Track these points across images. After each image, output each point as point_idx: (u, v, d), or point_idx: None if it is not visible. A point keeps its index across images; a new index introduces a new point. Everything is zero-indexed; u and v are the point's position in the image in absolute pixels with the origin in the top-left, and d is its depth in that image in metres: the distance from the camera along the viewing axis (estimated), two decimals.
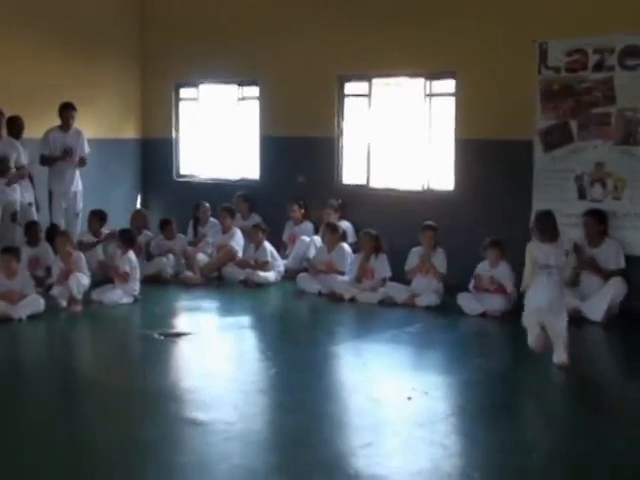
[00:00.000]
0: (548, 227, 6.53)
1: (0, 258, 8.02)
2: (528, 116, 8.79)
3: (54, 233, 9.18)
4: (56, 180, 10.01)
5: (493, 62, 9.10)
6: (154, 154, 12.42)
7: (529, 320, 6.55)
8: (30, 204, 9.63)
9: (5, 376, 6.64)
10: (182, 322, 8.37)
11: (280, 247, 10.26)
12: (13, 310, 7.51)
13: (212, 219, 10.53)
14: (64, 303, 8.32)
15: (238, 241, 10.06)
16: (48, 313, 8.06)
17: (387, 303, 8.67)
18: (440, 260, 8.70)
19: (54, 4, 10.86)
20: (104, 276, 8.97)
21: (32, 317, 7.87)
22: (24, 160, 9.39)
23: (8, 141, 9.30)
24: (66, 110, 9.92)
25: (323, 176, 10.57)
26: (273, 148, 11.02)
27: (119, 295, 8.65)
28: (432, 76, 9.77)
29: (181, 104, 12.29)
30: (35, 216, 9.65)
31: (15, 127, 9.60)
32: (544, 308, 6.43)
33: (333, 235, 9.37)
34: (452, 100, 9.62)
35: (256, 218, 10.55)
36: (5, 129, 9.36)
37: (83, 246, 9.24)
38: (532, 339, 6.54)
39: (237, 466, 4.68)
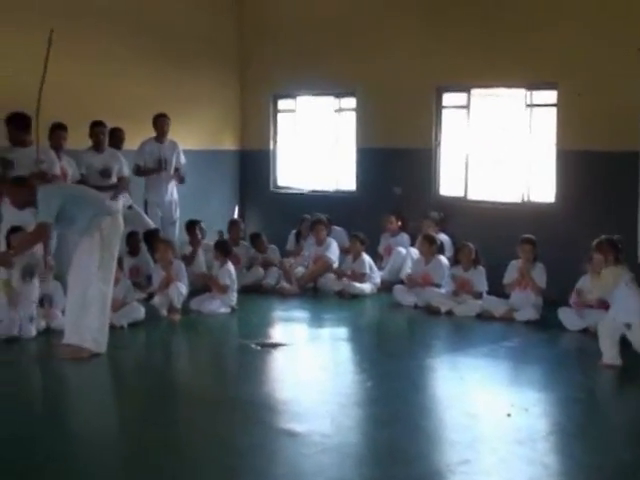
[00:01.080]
0: None
1: None
2: (633, 126, 8.54)
3: (152, 238, 9.40)
4: (152, 190, 10.21)
5: (596, 72, 8.89)
6: (251, 165, 12.55)
7: (614, 335, 6.49)
8: (130, 207, 9.81)
9: (105, 381, 6.81)
10: (278, 332, 8.40)
11: (375, 259, 10.21)
12: (115, 318, 7.67)
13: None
14: (164, 312, 8.47)
15: (334, 252, 10.05)
16: (148, 321, 8.21)
17: (484, 317, 8.53)
18: (539, 274, 8.51)
19: (154, 18, 11.09)
20: (203, 286, 9.09)
21: (133, 325, 8.02)
22: (126, 171, 9.62)
23: (111, 153, 9.53)
24: (160, 120, 10.12)
25: (420, 188, 10.49)
26: (370, 159, 11.00)
27: (217, 305, 8.75)
28: (533, 86, 9.60)
29: (279, 115, 12.39)
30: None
31: (115, 138, 9.83)
32: (636, 322, 6.38)
33: (430, 247, 9.28)
34: (553, 111, 9.43)
35: (339, 231, 10.52)
36: (105, 142, 9.59)
37: (186, 259, 9.36)
38: (614, 354, 6.45)
39: (332, 479, 4.65)
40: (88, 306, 7.03)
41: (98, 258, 7.03)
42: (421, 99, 10.39)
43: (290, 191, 12.18)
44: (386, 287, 9.70)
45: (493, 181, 10.15)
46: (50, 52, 7.67)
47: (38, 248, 7.64)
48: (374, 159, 10.93)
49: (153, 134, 10.20)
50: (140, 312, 8.19)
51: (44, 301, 7.89)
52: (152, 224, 9.84)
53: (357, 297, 9.53)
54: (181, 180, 10.26)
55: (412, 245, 10.08)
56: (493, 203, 9.94)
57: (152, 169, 10.08)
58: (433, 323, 8.50)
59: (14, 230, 7.70)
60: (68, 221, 7.06)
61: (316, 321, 8.82)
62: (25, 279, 7.52)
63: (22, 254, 7.40)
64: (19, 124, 8.23)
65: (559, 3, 9.25)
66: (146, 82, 11.05)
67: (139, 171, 10.07)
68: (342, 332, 8.42)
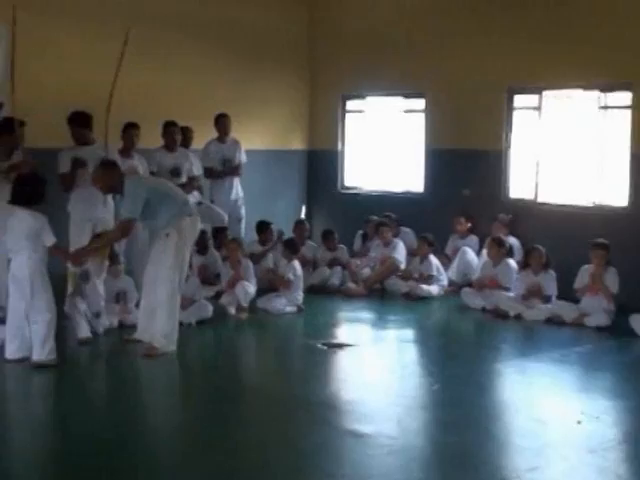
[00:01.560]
0: None
1: None
2: None
3: (220, 234, 9.50)
4: (217, 189, 10.28)
5: None
6: (319, 165, 12.57)
7: None
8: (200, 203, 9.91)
9: (173, 379, 6.89)
10: (345, 333, 8.40)
11: (443, 260, 10.13)
12: (183, 315, 7.76)
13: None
14: (232, 310, 8.53)
15: (401, 253, 10.00)
16: (216, 319, 8.28)
17: (554, 322, 8.39)
18: (611, 279, 8.35)
19: (223, 17, 11.16)
20: (270, 284, 9.14)
21: (201, 322, 8.10)
22: (196, 171, 9.70)
23: (182, 152, 9.62)
24: (221, 120, 10.19)
25: (489, 190, 10.38)
26: (439, 161, 10.92)
27: (283, 304, 8.79)
28: (607, 88, 9.41)
29: (347, 116, 12.39)
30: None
31: (185, 137, 9.92)
32: None
33: (499, 250, 9.17)
34: (628, 113, 9.24)
35: (407, 232, 10.45)
36: (177, 141, 9.69)
37: (253, 257, 9.44)
38: None
39: None
40: (159, 305, 7.14)
41: (173, 258, 7.12)
42: (492, 100, 10.28)
43: (357, 192, 12.17)
44: (454, 289, 9.63)
45: (564, 184, 9.99)
46: (125, 50, 7.79)
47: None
48: (443, 160, 10.85)
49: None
50: (208, 310, 8.27)
51: (119, 297, 8.04)
52: (224, 216, 9.90)
53: (424, 299, 9.47)
54: (236, 171, 10.31)
55: (480, 248, 9.98)
56: (564, 206, 9.77)
57: (220, 172, 10.16)
58: (501, 327, 8.40)
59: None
60: (149, 216, 7.14)
61: (383, 322, 8.79)
62: (82, 279, 7.64)
63: (104, 251, 7.48)
64: (82, 122, 8.37)
65: (634, 1, 9.07)
66: (217, 83, 11.15)
67: (209, 174, 10.14)
68: (409, 334, 8.38)
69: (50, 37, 9.50)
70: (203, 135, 10.22)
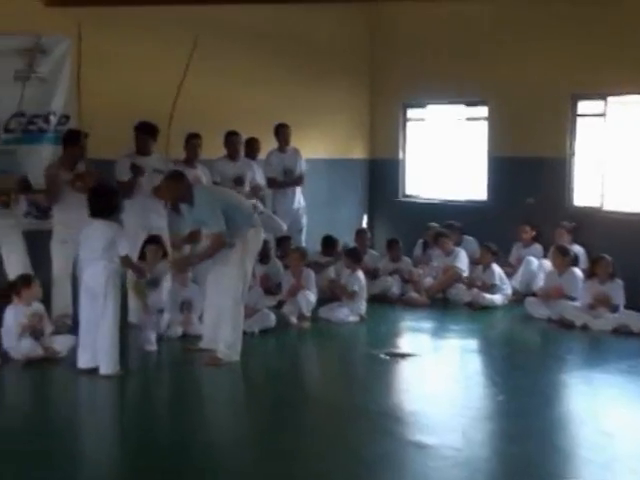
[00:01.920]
0: None
1: None
2: None
3: (283, 244, 9.56)
4: (279, 198, 10.33)
5: None
6: (380, 174, 12.53)
7: None
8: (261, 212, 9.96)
9: (236, 387, 6.92)
10: (407, 342, 8.34)
11: (507, 269, 10.01)
12: (246, 324, 7.80)
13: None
14: (294, 319, 8.55)
15: (463, 261, 9.91)
16: (278, 328, 8.31)
17: (622, 332, 8.22)
18: None
19: (284, 27, 11.20)
20: (332, 294, 9.14)
21: (264, 331, 8.13)
22: (259, 179, 9.76)
23: (244, 161, 9.69)
24: (281, 130, 10.24)
25: (553, 198, 10.23)
26: (502, 169, 10.81)
27: (346, 313, 8.78)
28: None
29: (408, 124, 12.34)
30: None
31: (251, 148, 10.00)
32: None
33: (564, 259, 9.02)
34: None
35: (470, 241, 10.35)
36: (242, 150, 9.78)
37: (316, 267, 9.45)
38: None
39: None
40: (224, 316, 7.19)
41: (237, 269, 7.17)
42: (555, 107, 10.14)
43: (419, 200, 12.10)
44: (518, 299, 9.50)
45: (630, 191, 9.80)
46: (192, 58, 7.88)
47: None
48: (506, 168, 10.73)
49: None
50: (271, 319, 8.30)
51: (183, 306, 8.11)
52: (284, 226, 9.94)
53: (487, 308, 9.36)
54: (299, 181, 10.34)
55: (545, 256, 9.84)
56: (631, 214, 9.59)
57: (282, 182, 10.21)
58: (567, 337, 8.26)
59: (150, 241, 7.91)
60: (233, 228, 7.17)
61: (445, 332, 8.72)
62: (151, 286, 7.73)
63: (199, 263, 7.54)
64: (149, 131, 8.50)
65: None
66: (278, 92, 11.18)
67: (271, 184, 10.20)
68: (472, 344, 8.29)
69: (114, 49, 9.65)
70: (267, 145, 10.28)
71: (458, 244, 10.18)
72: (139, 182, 8.32)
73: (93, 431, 5.79)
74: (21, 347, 7.08)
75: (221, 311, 7.22)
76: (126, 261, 6.89)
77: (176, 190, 7.29)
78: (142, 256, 7.74)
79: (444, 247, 9.98)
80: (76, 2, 9.23)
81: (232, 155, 9.58)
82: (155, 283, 7.70)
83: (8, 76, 9.05)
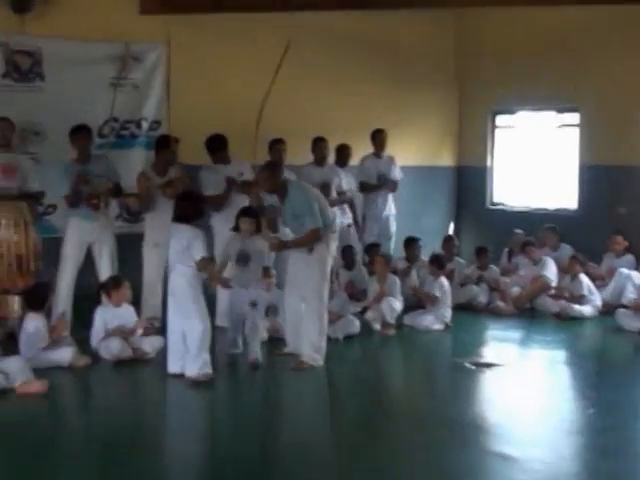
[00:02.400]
0: None
1: None
2: None
3: (372, 251, 9.50)
4: (370, 204, 10.32)
5: None
6: (468, 182, 12.42)
7: None
8: (349, 226, 9.97)
9: (319, 393, 6.91)
10: (493, 352, 8.18)
11: (596, 279, 9.77)
12: (330, 330, 7.80)
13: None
14: (377, 326, 8.51)
15: (551, 270, 9.71)
16: (363, 335, 8.29)
17: None
18: None
19: (374, 35, 11.20)
20: (417, 301, 9.08)
21: (348, 337, 8.12)
22: (345, 186, 9.75)
23: (330, 168, 9.71)
24: (378, 136, 10.23)
25: None
26: (594, 177, 10.57)
27: (430, 321, 8.70)
28: None
29: (497, 131, 12.19)
30: (355, 239, 9.97)
31: (342, 155, 10.02)
32: None
33: None
34: None
35: (567, 248, 10.15)
36: (329, 156, 9.79)
37: (402, 273, 9.41)
38: None
39: None
40: (308, 319, 7.21)
41: (319, 273, 7.18)
42: None
43: (507, 208, 11.94)
44: (608, 310, 9.26)
45: None
46: (282, 62, 7.94)
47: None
48: (598, 177, 10.49)
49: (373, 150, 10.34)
50: (355, 325, 8.29)
51: (269, 311, 8.15)
52: (358, 247, 9.88)
53: (576, 320, 9.15)
54: (393, 187, 10.30)
55: (637, 268, 9.57)
56: None
57: (375, 185, 10.20)
58: None
59: (245, 213, 7.68)
60: (298, 224, 7.20)
61: (532, 342, 8.55)
62: (241, 262, 7.59)
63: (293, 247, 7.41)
64: (219, 145, 8.57)
65: None
66: (367, 99, 11.20)
67: (363, 188, 10.20)
68: (560, 355, 8.11)
69: (205, 55, 9.80)
70: (357, 151, 10.27)
71: (555, 249, 10.00)
72: (231, 195, 8.41)
73: (181, 433, 5.84)
74: (110, 347, 7.22)
75: (306, 315, 7.23)
76: (203, 265, 6.84)
77: (270, 181, 7.29)
78: (236, 227, 7.61)
79: (531, 255, 9.81)
80: (169, 10, 9.39)
81: (319, 161, 9.61)
82: (246, 259, 7.52)
83: (102, 83, 9.29)
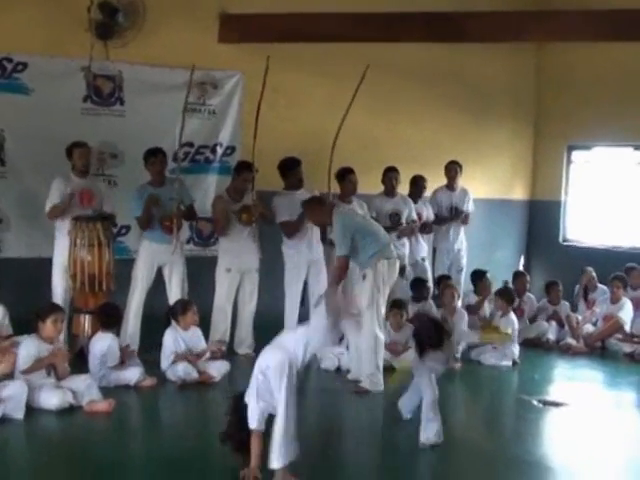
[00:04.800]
0: None
1: (391, 312, 8.30)
2: None
3: (442, 283, 9.43)
4: (441, 237, 10.28)
5: None
6: (541, 216, 12.27)
7: None
8: (423, 259, 9.94)
9: (376, 420, 6.87)
10: (561, 391, 8.02)
11: None
12: (395, 361, 7.75)
13: (601, 286, 10.07)
14: None
15: (627, 312, 9.50)
16: None
17: None
18: None
19: (450, 66, 11.16)
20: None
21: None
22: (414, 216, 9.72)
23: (401, 198, 9.69)
24: (450, 167, 10.22)
25: None
26: None
27: (498, 357, 8.58)
28: None
29: (572, 166, 12.03)
30: (428, 272, 9.93)
31: (417, 186, 10.01)
32: None
33: None
34: None
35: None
36: (400, 187, 9.78)
37: (471, 308, 9.33)
38: None
39: None
40: (361, 346, 7.31)
41: (368, 300, 7.21)
42: None
43: (580, 244, 11.75)
44: None
45: None
46: (359, 88, 7.97)
47: None
48: None
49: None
50: None
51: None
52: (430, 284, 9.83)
53: None
54: (465, 220, 10.24)
55: None
56: None
57: (446, 217, 10.17)
58: None
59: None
60: (353, 251, 7.26)
61: (603, 383, 8.36)
62: None
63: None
64: (295, 165, 8.60)
65: None
66: (441, 129, 11.20)
67: (435, 220, 10.16)
68: (631, 398, 7.90)
69: (279, 84, 9.92)
70: (431, 183, 10.29)
71: (636, 288, 9.79)
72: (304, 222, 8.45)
73: None
74: (177, 370, 7.30)
75: (360, 342, 7.30)
76: None
77: (314, 213, 7.59)
78: None
79: (615, 293, 9.59)
80: (246, 39, 9.57)
81: (389, 191, 9.60)
82: None
83: (179, 108, 9.45)
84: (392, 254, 7.48)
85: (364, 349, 7.30)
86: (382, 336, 7.43)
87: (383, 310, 7.51)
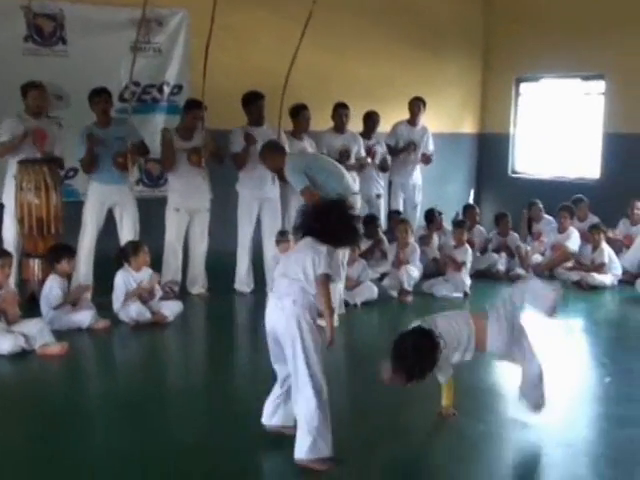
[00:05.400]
0: None
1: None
2: None
3: (394, 220, 9.51)
4: (397, 172, 10.28)
5: None
6: (490, 149, 12.36)
7: None
8: (379, 196, 9.97)
9: (334, 359, 6.94)
10: None
11: (616, 246, 9.71)
12: (349, 295, 7.83)
13: (547, 217, 10.24)
14: (394, 293, 8.53)
15: (575, 241, 9.68)
16: (381, 301, 8.31)
17: None
18: None
19: (400, 2, 11.11)
20: (436, 269, 9.09)
21: (366, 304, 8.16)
22: (363, 153, 9.70)
23: (351, 134, 9.65)
24: (414, 103, 10.16)
25: None
26: (617, 145, 10.49)
27: (449, 289, 8.70)
28: None
29: (520, 99, 12.09)
30: (382, 210, 9.98)
31: (371, 121, 9.95)
32: None
33: None
34: None
35: (594, 219, 10.09)
36: (349, 123, 9.74)
37: (423, 240, 9.46)
38: None
39: (564, 476, 4.53)
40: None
41: None
42: None
43: (528, 177, 11.88)
44: (627, 279, 9.23)
45: None
46: (308, 23, 7.90)
47: None
48: (622, 145, 10.41)
49: (400, 118, 10.26)
50: (373, 292, 8.31)
51: None
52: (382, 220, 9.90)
53: (596, 289, 9.13)
54: (428, 161, 10.25)
55: None
56: None
57: (401, 149, 10.13)
58: None
59: None
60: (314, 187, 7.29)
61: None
62: None
63: None
64: (260, 99, 8.55)
65: None
66: (392, 64, 11.17)
67: (389, 151, 10.14)
68: (579, 324, 8.08)
69: (228, 22, 9.76)
70: (383, 118, 10.16)
71: (584, 220, 9.97)
72: (251, 152, 8.38)
73: (201, 393, 5.89)
74: (130, 311, 7.29)
75: None
76: None
77: (272, 159, 7.59)
78: None
79: (562, 223, 9.76)
80: None
81: (339, 127, 9.57)
82: None
83: (124, 47, 9.28)
84: (350, 189, 7.50)
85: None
86: (342, 272, 7.47)
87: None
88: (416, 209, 10.35)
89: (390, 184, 10.27)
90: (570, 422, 5.24)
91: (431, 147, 10.31)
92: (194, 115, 8.25)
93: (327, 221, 4.51)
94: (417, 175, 10.34)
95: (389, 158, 10.03)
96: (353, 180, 9.34)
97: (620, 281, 9.36)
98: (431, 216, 9.91)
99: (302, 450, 4.41)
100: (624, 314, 8.66)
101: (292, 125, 8.98)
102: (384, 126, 10.19)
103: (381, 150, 9.93)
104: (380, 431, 5.12)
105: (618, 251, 9.64)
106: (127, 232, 8.16)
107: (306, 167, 7.34)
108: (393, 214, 9.81)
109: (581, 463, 4.66)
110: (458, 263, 8.81)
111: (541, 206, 10.32)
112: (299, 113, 8.91)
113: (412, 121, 10.22)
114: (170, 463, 4.56)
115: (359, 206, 7.69)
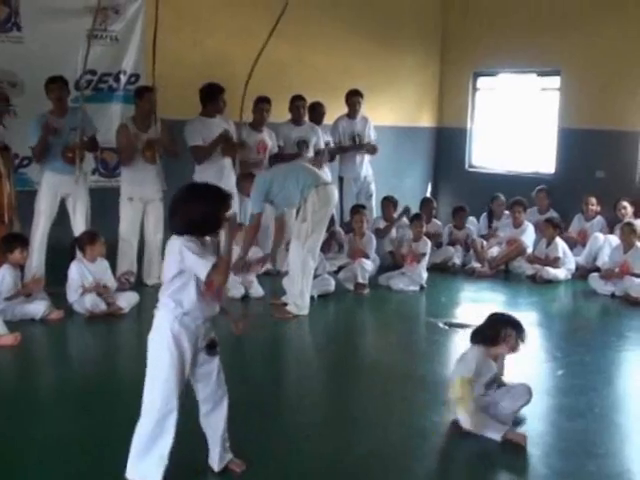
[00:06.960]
0: None
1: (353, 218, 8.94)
2: None
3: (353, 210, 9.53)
4: (346, 166, 10.28)
5: None
6: (447, 143, 12.41)
7: None
8: None
9: (291, 349, 6.97)
10: (466, 313, 8.24)
11: (571, 242, 9.84)
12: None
13: (506, 212, 10.32)
14: (350, 286, 8.56)
15: (529, 236, 9.78)
16: (337, 294, 8.34)
17: None
18: None
19: None
20: (393, 262, 9.14)
21: (323, 296, 8.18)
22: (322, 145, 9.71)
23: (309, 126, 9.67)
24: (352, 97, 10.14)
25: (624, 172, 10.01)
26: (572, 141, 10.60)
27: (406, 282, 8.74)
28: None
29: (477, 93, 12.17)
30: None
31: (316, 113, 9.95)
32: None
33: (630, 235, 8.83)
34: None
35: (553, 213, 10.19)
36: (307, 115, 9.75)
37: (379, 233, 9.48)
38: None
39: (515, 467, 4.58)
40: (292, 272, 7.51)
41: (304, 227, 7.36)
42: (633, 79, 9.87)
43: (485, 171, 11.96)
44: (581, 274, 9.35)
45: None
46: (278, 23, 7.89)
47: None
48: (577, 140, 10.52)
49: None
50: (331, 284, 8.32)
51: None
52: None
53: (550, 282, 9.23)
54: (373, 151, 10.25)
55: (610, 232, 9.65)
56: None
57: (351, 146, 10.14)
58: (632, 314, 8.06)
59: None
60: (284, 199, 7.49)
61: (506, 304, 8.58)
62: None
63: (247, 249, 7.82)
64: (219, 92, 8.54)
65: None
66: (350, 56, 11.13)
67: (339, 149, 10.13)
68: (532, 317, 8.13)
69: (187, 10, 9.69)
70: (335, 111, 10.21)
71: (545, 212, 10.19)
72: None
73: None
74: (84, 302, 7.22)
75: (290, 268, 7.60)
76: None
77: (246, 187, 8.15)
78: None
79: (516, 218, 9.85)
80: None
81: (296, 119, 9.55)
82: None
83: (80, 35, 9.15)
84: (318, 180, 7.53)
85: (294, 275, 7.51)
86: (312, 263, 7.57)
87: (319, 238, 7.58)
88: (371, 199, 10.35)
89: (341, 180, 10.24)
90: (522, 414, 5.28)
91: (373, 136, 10.29)
92: (147, 98, 8.19)
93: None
94: (367, 166, 10.34)
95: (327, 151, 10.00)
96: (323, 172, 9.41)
97: (573, 275, 9.47)
98: (386, 203, 10.00)
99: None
100: (577, 308, 8.78)
101: (253, 117, 8.95)
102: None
103: (324, 140, 9.86)
104: (333, 420, 5.15)
105: (572, 247, 9.75)
106: (79, 222, 8.08)
107: (273, 178, 7.51)
108: (355, 208, 9.81)
109: (532, 455, 4.70)
110: (417, 255, 8.84)
111: (503, 199, 10.39)
112: (257, 105, 8.99)
113: (351, 114, 10.19)
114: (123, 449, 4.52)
115: (336, 196, 7.87)
